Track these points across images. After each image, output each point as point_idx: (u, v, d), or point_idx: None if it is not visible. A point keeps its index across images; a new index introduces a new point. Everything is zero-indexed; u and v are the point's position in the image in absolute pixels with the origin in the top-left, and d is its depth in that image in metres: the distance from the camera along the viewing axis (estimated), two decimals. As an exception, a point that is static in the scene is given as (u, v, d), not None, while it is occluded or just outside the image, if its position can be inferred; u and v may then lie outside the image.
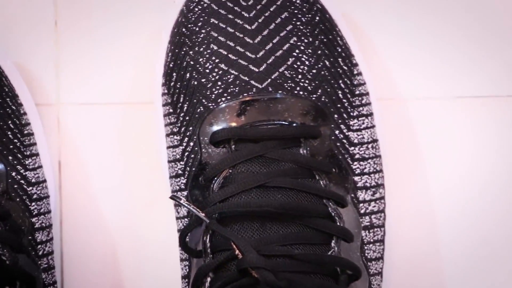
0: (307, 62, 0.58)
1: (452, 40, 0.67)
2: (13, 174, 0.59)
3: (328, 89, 0.57)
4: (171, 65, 0.59)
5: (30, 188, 0.60)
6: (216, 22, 0.58)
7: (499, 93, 0.66)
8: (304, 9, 0.58)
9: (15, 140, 0.60)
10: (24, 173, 0.60)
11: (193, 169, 0.58)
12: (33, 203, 0.60)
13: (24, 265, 0.57)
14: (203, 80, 0.57)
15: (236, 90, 0.57)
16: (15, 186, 0.59)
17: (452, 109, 0.67)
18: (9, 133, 0.60)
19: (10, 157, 0.60)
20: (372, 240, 0.58)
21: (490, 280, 0.67)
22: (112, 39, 0.66)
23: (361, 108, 0.59)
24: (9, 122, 0.60)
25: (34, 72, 0.66)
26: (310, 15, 0.58)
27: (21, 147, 0.61)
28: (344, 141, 0.57)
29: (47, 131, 0.64)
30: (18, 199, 0.59)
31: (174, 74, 0.59)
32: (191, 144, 0.58)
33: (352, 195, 0.58)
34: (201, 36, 0.58)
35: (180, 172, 0.58)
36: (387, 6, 0.66)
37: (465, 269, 0.67)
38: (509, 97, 0.67)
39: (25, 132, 0.61)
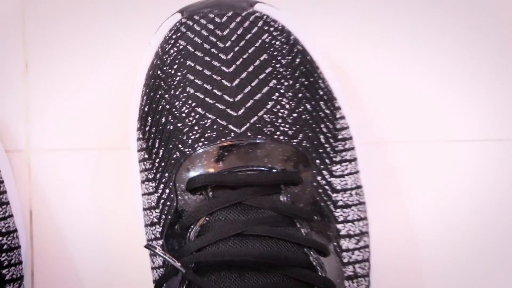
0: (287, 106, 0.54)
1: (438, 83, 0.64)
2: None
3: (310, 134, 0.54)
4: (146, 109, 0.55)
5: (1, 238, 0.58)
6: (193, 64, 0.54)
7: (488, 137, 0.64)
8: (284, 51, 0.54)
9: None
10: None
11: (169, 217, 0.54)
12: (3, 254, 0.57)
13: None
14: (179, 124, 0.54)
15: (214, 135, 0.53)
16: None
17: (437, 153, 0.64)
18: None
19: None
20: None
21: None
22: (84, 82, 0.64)
23: (344, 153, 0.55)
24: None
25: (3, 118, 0.64)
26: (290, 57, 0.54)
27: None
28: (327, 187, 0.53)
29: (17, 178, 0.62)
30: None
31: (149, 118, 0.55)
32: (167, 191, 0.54)
33: (335, 243, 0.54)
34: (177, 79, 0.54)
35: (155, 220, 0.55)
36: (370, 45, 0.64)
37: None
38: (499, 141, 0.64)
39: None
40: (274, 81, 0.54)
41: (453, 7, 0.64)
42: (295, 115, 0.54)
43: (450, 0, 0.64)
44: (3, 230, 0.57)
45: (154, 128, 0.55)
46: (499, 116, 0.64)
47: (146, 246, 0.52)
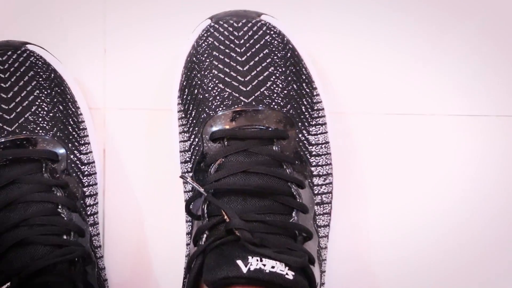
0: (280, 85, 0.64)
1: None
2: (72, 156, 0.64)
3: (295, 105, 0.64)
4: (184, 83, 0.66)
5: (83, 167, 0.66)
6: (217, 54, 0.64)
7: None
8: (280, 47, 0.65)
9: (74, 133, 0.65)
10: (79, 156, 0.65)
11: (197, 157, 0.64)
12: (85, 178, 0.66)
13: (76, 221, 0.62)
14: (206, 95, 0.64)
15: (230, 103, 0.63)
16: (72, 165, 0.64)
17: (381, 123, 0.71)
18: (69, 127, 0.65)
19: (69, 145, 0.64)
20: (322, 213, 0.64)
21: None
22: (146, 61, 0.71)
23: (318, 119, 0.65)
24: (70, 119, 0.65)
25: (86, 83, 0.71)
26: (283, 52, 0.65)
27: (78, 138, 0.66)
28: (305, 142, 0.64)
29: (96, 127, 0.70)
30: (74, 175, 0.64)
31: (186, 90, 0.65)
32: (196, 140, 0.64)
33: (309, 180, 0.64)
34: (206, 64, 0.64)
35: (187, 159, 0.64)
36: (338, 47, 0.71)
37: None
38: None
39: (81, 127, 0.66)
40: (272, 68, 0.64)
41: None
42: (285, 91, 0.64)
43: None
44: (85, 161, 0.66)
45: (189, 97, 0.65)
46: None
47: (181, 176, 0.62)
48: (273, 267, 0.55)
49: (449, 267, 0.70)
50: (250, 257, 0.55)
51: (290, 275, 0.55)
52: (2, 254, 0.59)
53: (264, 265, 0.55)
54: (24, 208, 0.60)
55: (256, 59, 0.64)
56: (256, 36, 0.64)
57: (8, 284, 0.56)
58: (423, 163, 0.70)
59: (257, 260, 0.55)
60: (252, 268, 0.54)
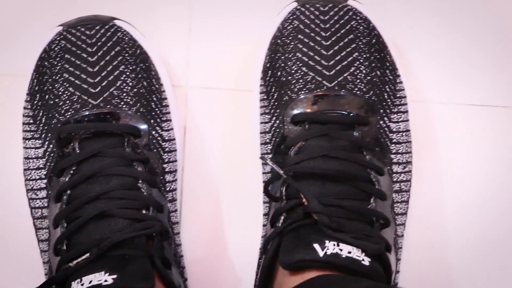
0: (364, 71, 0.64)
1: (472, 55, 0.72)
2: (153, 133, 0.65)
3: (377, 92, 0.64)
4: (267, 65, 0.66)
5: (164, 143, 0.67)
6: (302, 37, 0.65)
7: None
8: (365, 33, 0.65)
9: (156, 109, 0.66)
10: (161, 133, 0.66)
11: (277, 139, 0.65)
12: (165, 154, 0.67)
13: (156, 196, 0.63)
14: (289, 77, 0.64)
15: (312, 87, 0.64)
16: (154, 141, 0.65)
17: (462, 114, 0.72)
18: (152, 104, 0.66)
19: (152, 121, 0.65)
20: (400, 201, 0.65)
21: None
22: (229, 44, 0.73)
23: (400, 107, 0.65)
24: (153, 96, 0.66)
25: (171, 61, 0.72)
26: (368, 38, 0.65)
27: (160, 114, 0.67)
28: (386, 129, 0.64)
29: (178, 105, 0.70)
30: (155, 150, 0.65)
31: (269, 71, 0.66)
32: (277, 122, 0.65)
33: (389, 167, 0.64)
34: (291, 46, 0.65)
35: (267, 141, 0.65)
36: (422, 35, 0.72)
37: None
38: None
39: (163, 104, 0.67)
40: (356, 54, 0.65)
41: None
42: (368, 78, 0.65)
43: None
44: (167, 138, 0.67)
45: (272, 79, 0.66)
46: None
47: (261, 157, 0.64)
48: (349, 252, 0.55)
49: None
50: (327, 241, 0.55)
51: (366, 261, 0.55)
52: (81, 225, 0.60)
53: (341, 250, 0.55)
54: (105, 181, 0.61)
55: (341, 44, 0.64)
56: (342, 21, 0.65)
57: (87, 255, 0.57)
58: (503, 155, 0.70)
59: (334, 245, 0.55)
60: (328, 252, 0.55)
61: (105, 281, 0.55)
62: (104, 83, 0.64)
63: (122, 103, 0.64)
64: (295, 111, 0.64)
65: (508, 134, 0.71)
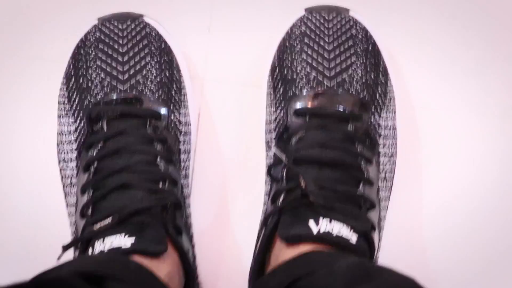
0: (360, 74, 0.67)
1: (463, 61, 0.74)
2: (172, 117, 0.68)
3: (370, 92, 0.67)
4: (275, 64, 0.70)
5: (181, 127, 0.69)
6: (307, 41, 0.68)
7: None
8: (363, 41, 0.68)
9: (175, 97, 0.69)
10: (178, 117, 0.69)
11: (281, 129, 0.67)
12: (182, 136, 0.69)
13: (171, 172, 0.66)
14: (294, 76, 0.67)
15: (314, 85, 0.66)
16: (172, 124, 0.68)
17: (447, 115, 0.74)
18: (172, 91, 0.69)
19: (171, 107, 0.68)
20: (384, 187, 0.67)
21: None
22: (242, 44, 0.75)
23: (389, 107, 0.68)
24: (174, 85, 0.69)
25: (190, 54, 0.74)
26: (366, 45, 0.68)
27: (179, 101, 0.69)
28: (376, 125, 0.67)
29: (194, 94, 0.73)
30: (173, 132, 0.68)
31: (277, 70, 0.69)
32: (282, 113, 0.67)
33: (376, 157, 0.66)
34: (297, 49, 0.68)
35: (272, 130, 0.68)
36: (412, 44, 0.74)
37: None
38: None
39: (182, 93, 0.70)
40: (354, 58, 0.67)
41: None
42: (363, 80, 0.67)
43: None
44: (183, 121, 0.70)
45: (279, 76, 0.69)
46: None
47: (266, 143, 0.66)
48: (339, 231, 0.58)
49: (505, 244, 0.72)
50: (321, 219, 0.58)
51: (353, 240, 0.58)
52: (105, 194, 0.63)
53: (332, 228, 0.58)
54: (128, 156, 0.64)
55: (341, 49, 0.67)
56: (343, 29, 0.68)
57: (110, 220, 0.60)
58: (479, 153, 0.73)
59: (327, 223, 0.58)
60: (321, 231, 0.58)
61: (125, 244, 0.58)
62: (131, 71, 0.67)
63: (146, 89, 0.67)
64: (298, 106, 0.66)
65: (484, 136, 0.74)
